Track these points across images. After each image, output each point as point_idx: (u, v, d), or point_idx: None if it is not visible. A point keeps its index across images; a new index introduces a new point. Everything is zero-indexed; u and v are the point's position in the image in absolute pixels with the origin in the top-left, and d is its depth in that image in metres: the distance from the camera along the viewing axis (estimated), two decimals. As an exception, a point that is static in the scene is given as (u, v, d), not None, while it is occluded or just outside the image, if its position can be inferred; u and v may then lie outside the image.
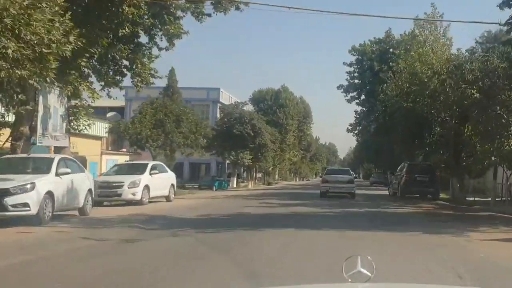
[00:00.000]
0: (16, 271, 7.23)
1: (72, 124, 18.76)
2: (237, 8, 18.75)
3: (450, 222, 14.72)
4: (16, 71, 11.02)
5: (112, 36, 17.28)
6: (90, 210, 15.20)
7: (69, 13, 12.33)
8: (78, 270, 7.34)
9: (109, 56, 18.06)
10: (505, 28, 20.04)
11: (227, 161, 47.78)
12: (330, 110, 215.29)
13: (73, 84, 16.28)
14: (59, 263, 7.81)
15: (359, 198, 26.79)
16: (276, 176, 72.02)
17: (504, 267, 8.01)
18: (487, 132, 18.55)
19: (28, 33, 10.63)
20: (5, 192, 11.67)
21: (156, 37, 18.97)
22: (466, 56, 23.11)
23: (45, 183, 12.49)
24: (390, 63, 35.53)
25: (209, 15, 18.97)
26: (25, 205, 11.77)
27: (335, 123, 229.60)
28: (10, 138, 15.39)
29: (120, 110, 52.09)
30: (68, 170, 13.65)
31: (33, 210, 11.87)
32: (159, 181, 21.27)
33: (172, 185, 22.68)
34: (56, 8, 11.87)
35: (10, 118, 16.31)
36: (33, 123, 15.67)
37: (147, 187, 20.17)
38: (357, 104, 48.12)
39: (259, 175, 59.70)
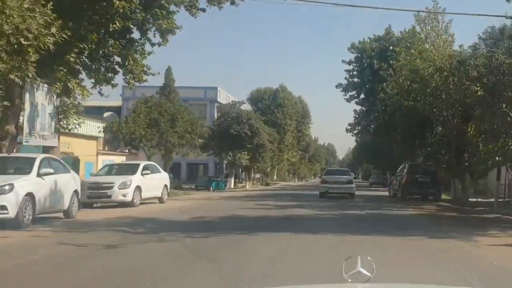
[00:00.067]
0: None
1: (61, 123, 18.13)
2: (232, 3, 18.03)
3: (455, 225, 14.01)
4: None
5: (103, 31, 16.59)
6: (77, 212, 14.55)
7: (51, 3, 11.57)
8: (52, 279, 6.72)
9: (100, 52, 17.35)
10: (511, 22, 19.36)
11: (225, 162, 47.14)
12: (329, 110, 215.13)
13: (61, 80, 15.61)
14: (33, 272, 7.18)
15: (359, 200, 26.21)
16: (275, 176, 71.45)
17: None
18: (491, 131, 17.85)
19: (1, 21, 9.86)
20: (-19, 194, 10.97)
21: (148, 32, 18.30)
22: (469, 52, 22.35)
23: (25, 184, 11.76)
24: (390, 61, 34.79)
25: (203, 9, 18.31)
26: (3, 207, 11.07)
27: (334, 124, 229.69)
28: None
29: (117, 110, 51.55)
30: (51, 170, 12.92)
31: (11, 213, 11.16)
32: (152, 182, 20.62)
33: (166, 186, 22.07)
34: (36, -3, 11.13)
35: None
36: (19, 121, 15.00)
37: (138, 188, 19.52)
38: (357, 103, 47.38)
39: (258, 175, 59.05)
